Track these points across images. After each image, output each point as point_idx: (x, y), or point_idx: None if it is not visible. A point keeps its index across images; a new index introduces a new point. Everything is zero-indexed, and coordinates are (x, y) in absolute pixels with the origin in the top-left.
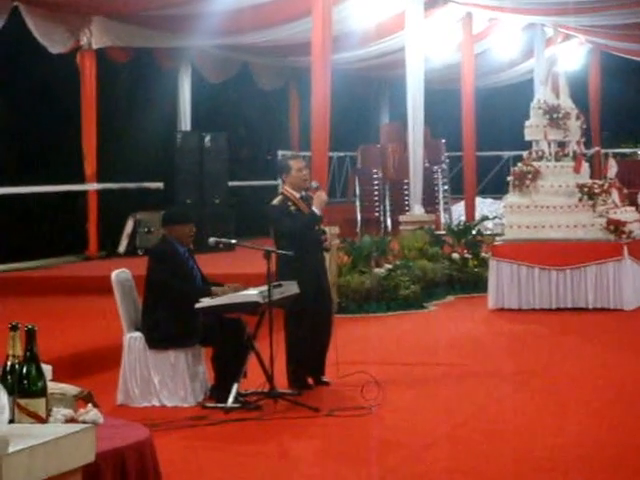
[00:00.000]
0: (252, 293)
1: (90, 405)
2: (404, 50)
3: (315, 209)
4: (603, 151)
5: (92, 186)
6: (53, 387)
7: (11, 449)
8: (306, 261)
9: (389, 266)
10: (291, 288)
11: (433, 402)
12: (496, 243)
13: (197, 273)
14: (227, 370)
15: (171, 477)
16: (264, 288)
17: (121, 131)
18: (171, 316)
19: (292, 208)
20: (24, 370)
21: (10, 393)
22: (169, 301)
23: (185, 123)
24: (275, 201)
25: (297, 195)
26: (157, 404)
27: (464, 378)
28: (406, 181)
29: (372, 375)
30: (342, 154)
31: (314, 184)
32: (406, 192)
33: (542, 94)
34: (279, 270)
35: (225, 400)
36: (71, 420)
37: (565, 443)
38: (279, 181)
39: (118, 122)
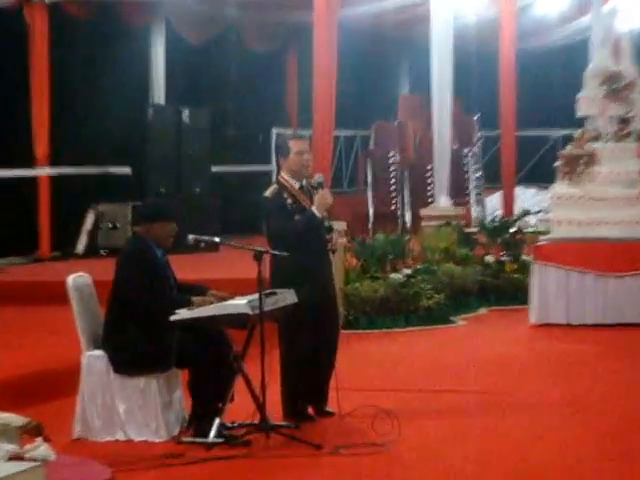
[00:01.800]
0: (240, 303)
1: (39, 439)
2: (428, 3)
3: (316, 210)
4: None
5: (43, 171)
6: None
7: None
8: (306, 264)
9: (408, 271)
10: (287, 297)
11: (460, 438)
12: (540, 243)
13: (172, 279)
14: (208, 397)
15: None
16: (254, 297)
17: (80, 104)
18: (141, 332)
19: (288, 201)
20: None
21: None
22: (139, 314)
23: (158, 94)
24: (268, 192)
25: (296, 185)
26: (122, 438)
27: (499, 409)
28: (429, 166)
29: (386, 404)
30: (351, 133)
31: (318, 178)
32: (429, 180)
33: (599, 59)
34: (273, 275)
35: (206, 434)
36: (16, 457)
37: None
38: (274, 166)
39: (76, 92)
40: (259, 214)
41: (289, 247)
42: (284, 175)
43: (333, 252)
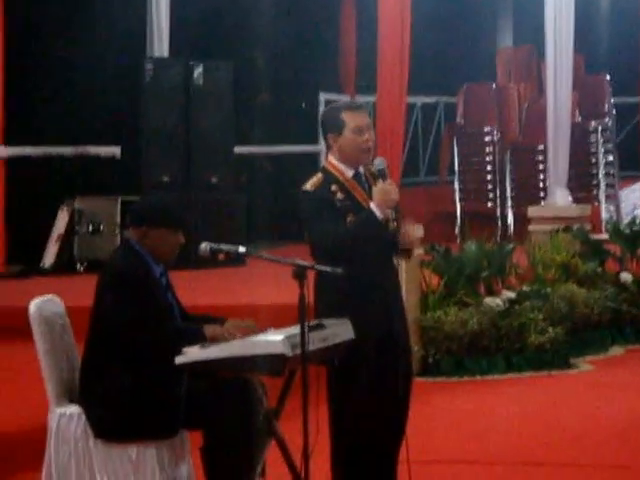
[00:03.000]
0: (274, 339)
1: None
2: None
3: (375, 208)
4: None
5: None
6: None
7: None
8: (366, 284)
9: (511, 294)
10: (341, 331)
11: None
12: None
13: (175, 308)
14: (230, 471)
15: None
16: (294, 331)
17: (49, 58)
18: (134, 380)
19: (338, 196)
20: None
21: None
22: (132, 355)
23: (160, 44)
24: (309, 183)
25: (349, 173)
26: None
27: None
28: (541, 147)
29: None
30: (430, 99)
31: (378, 164)
32: (541, 167)
33: None
34: (320, 300)
35: None
36: None
37: None
38: (321, 146)
39: (44, 42)
40: (298, 214)
41: (338, 261)
42: (333, 160)
43: (409, 257)
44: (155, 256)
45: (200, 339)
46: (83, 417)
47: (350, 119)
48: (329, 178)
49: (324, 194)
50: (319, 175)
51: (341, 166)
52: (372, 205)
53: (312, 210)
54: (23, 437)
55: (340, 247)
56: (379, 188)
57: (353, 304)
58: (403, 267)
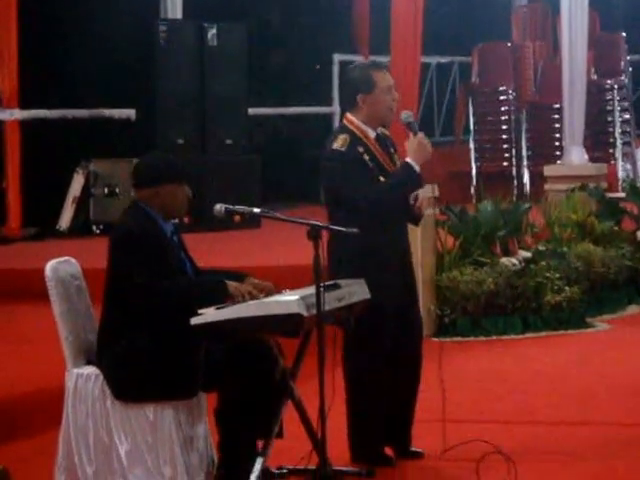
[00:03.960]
0: (290, 300)
1: None
2: None
3: (412, 162)
4: None
5: (11, 114)
6: None
7: None
8: (384, 244)
9: (527, 254)
10: (356, 291)
11: None
12: None
13: (188, 266)
14: (246, 432)
15: None
16: (310, 291)
17: (64, 22)
18: (152, 341)
19: (365, 157)
20: None
21: None
22: (148, 316)
23: (173, 6)
24: (338, 143)
25: (372, 134)
26: None
27: None
28: (556, 106)
29: (496, 441)
30: (445, 59)
31: (406, 116)
32: (557, 126)
33: None
34: (334, 260)
35: None
36: None
37: None
38: (335, 107)
39: (58, 6)
40: (325, 175)
41: (368, 221)
42: (355, 120)
43: (418, 220)
44: (166, 213)
45: (222, 291)
46: (100, 377)
47: (381, 79)
48: (355, 138)
49: (356, 154)
50: (345, 135)
51: (364, 127)
52: (409, 159)
53: (346, 170)
54: (41, 397)
55: (380, 205)
56: (415, 142)
57: (370, 266)
58: (419, 228)
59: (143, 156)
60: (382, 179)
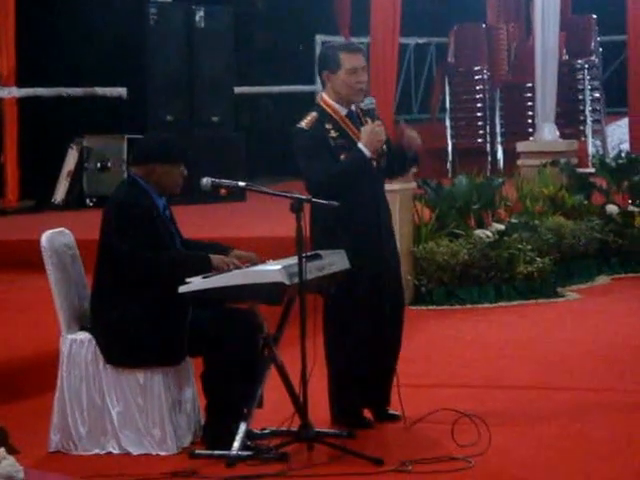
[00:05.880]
0: (273, 269)
1: (2, 450)
2: None
3: (363, 147)
4: None
5: (9, 92)
6: None
7: None
8: (360, 219)
9: (500, 226)
10: (336, 261)
11: (570, 450)
12: None
13: (177, 239)
14: (230, 396)
15: None
16: (292, 261)
17: (57, 3)
18: (142, 308)
19: (331, 134)
20: None
21: None
22: (137, 284)
23: None
24: (304, 121)
25: (342, 111)
26: (116, 451)
27: (622, 412)
28: (529, 85)
29: (469, 406)
30: (423, 40)
31: (368, 103)
32: (529, 104)
33: None
34: (316, 232)
35: (228, 445)
36: None
37: None
38: (318, 86)
39: None
40: (293, 151)
41: (331, 197)
42: (327, 98)
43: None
44: (161, 189)
45: (206, 265)
46: (93, 342)
47: (347, 59)
48: (323, 116)
49: (319, 132)
50: (313, 114)
51: (335, 105)
52: (360, 145)
53: (307, 148)
54: (37, 362)
55: (332, 184)
56: (368, 129)
57: (348, 238)
58: (397, 201)
59: (146, 134)
60: (343, 156)
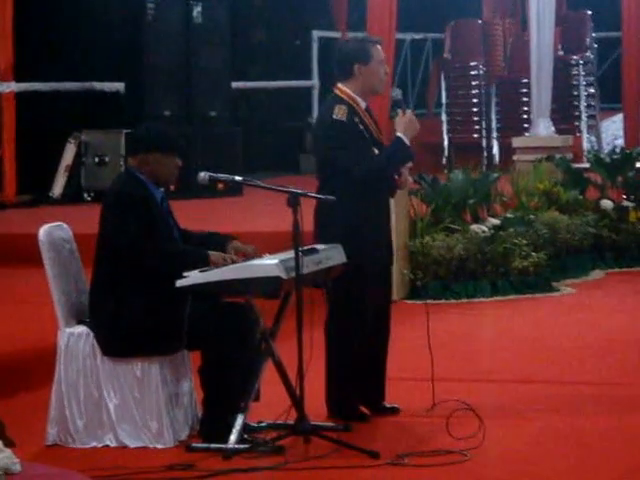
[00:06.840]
0: (269, 263)
1: (0, 443)
2: None
3: (403, 136)
4: None
5: (8, 87)
6: None
7: None
8: (371, 212)
9: (495, 221)
10: (333, 255)
11: (564, 444)
12: None
13: (175, 231)
14: (228, 390)
15: None
16: (289, 255)
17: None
18: (140, 300)
19: (360, 128)
20: None
21: None
22: (136, 277)
23: None
24: (338, 113)
25: (363, 104)
26: (113, 444)
27: (617, 407)
28: (525, 81)
29: (465, 399)
30: (419, 36)
31: (396, 93)
32: (525, 99)
33: None
34: (321, 226)
35: (224, 438)
36: None
37: None
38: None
39: None
40: (322, 144)
41: (371, 188)
42: (348, 90)
43: (394, 193)
44: (156, 180)
45: (204, 260)
46: (91, 336)
47: (376, 52)
48: (350, 109)
49: (355, 125)
50: (343, 106)
51: (357, 98)
52: (399, 134)
53: (346, 140)
54: (35, 355)
55: (374, 176)
56: (405, 119)
57: (358, 232)
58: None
59: (140, 126)
60: (375, 149)
